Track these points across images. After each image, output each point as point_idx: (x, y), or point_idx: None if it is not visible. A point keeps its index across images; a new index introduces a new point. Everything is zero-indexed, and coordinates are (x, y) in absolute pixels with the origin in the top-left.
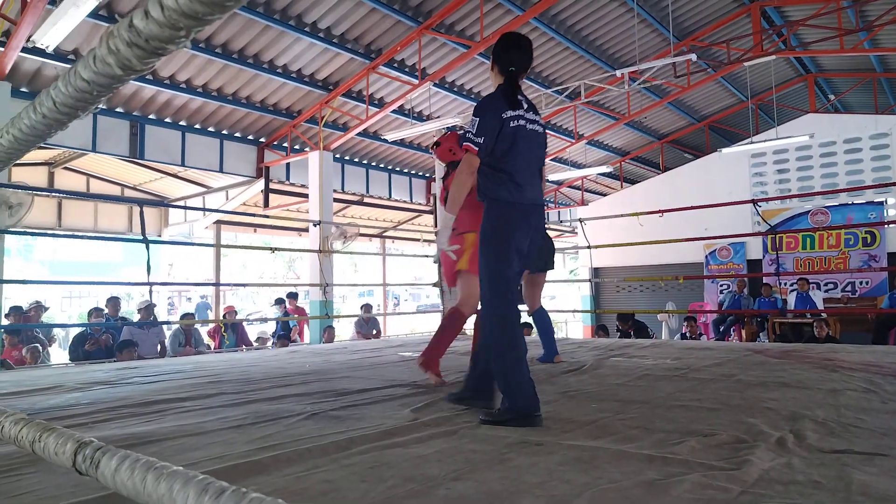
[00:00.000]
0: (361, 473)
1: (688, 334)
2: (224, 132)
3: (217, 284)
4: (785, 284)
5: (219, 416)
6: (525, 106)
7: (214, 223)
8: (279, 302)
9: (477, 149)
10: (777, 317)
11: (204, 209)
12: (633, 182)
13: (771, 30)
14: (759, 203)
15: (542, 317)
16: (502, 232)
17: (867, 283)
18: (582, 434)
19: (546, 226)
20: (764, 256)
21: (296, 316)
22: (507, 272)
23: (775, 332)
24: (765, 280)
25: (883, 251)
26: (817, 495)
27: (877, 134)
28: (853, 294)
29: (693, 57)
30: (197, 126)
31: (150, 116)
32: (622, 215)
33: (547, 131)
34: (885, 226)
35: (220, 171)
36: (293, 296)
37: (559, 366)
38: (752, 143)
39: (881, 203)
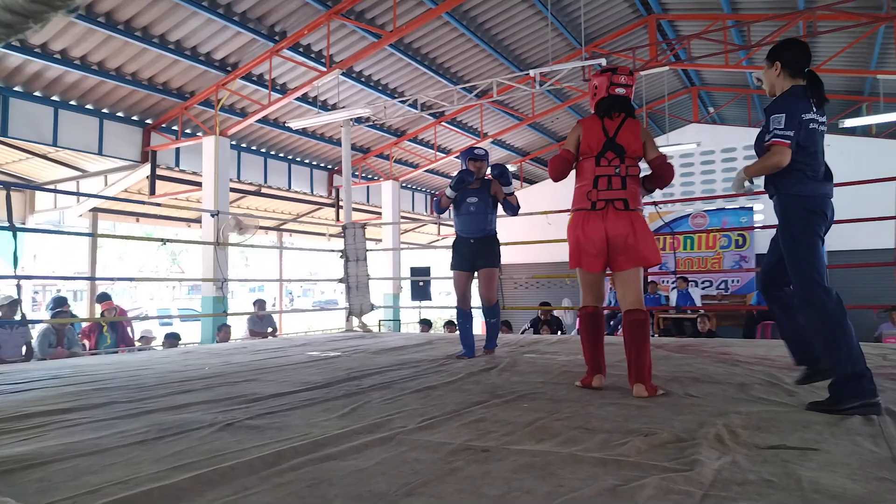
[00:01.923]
0: (300, 494)
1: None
2: (105, 111)
3: (93, 279)
4: (666, 282)
5: (114, 430)
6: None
7: (90, 211)
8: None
9: (788, 142)
10: (662, 313)
11: (78, 193)
12: (532, 182)
13: (664, 42)
14: (659, 205)
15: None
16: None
17: (738, 281)
18: (524, 437)
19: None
20: None
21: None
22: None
23: (659, 326)
24: (650, 278)
25: (752, 253)
26: (775, 495)
27: (749, 145)
28: (726, 292)
29: (602, 62)
30: (73, 102)
31: (17, 88)
32: (533, 213)
33: (453, 128)
34: (754, 230)
35: (99, 153)
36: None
37: (478, 363)
38: None
39: (751, 209)
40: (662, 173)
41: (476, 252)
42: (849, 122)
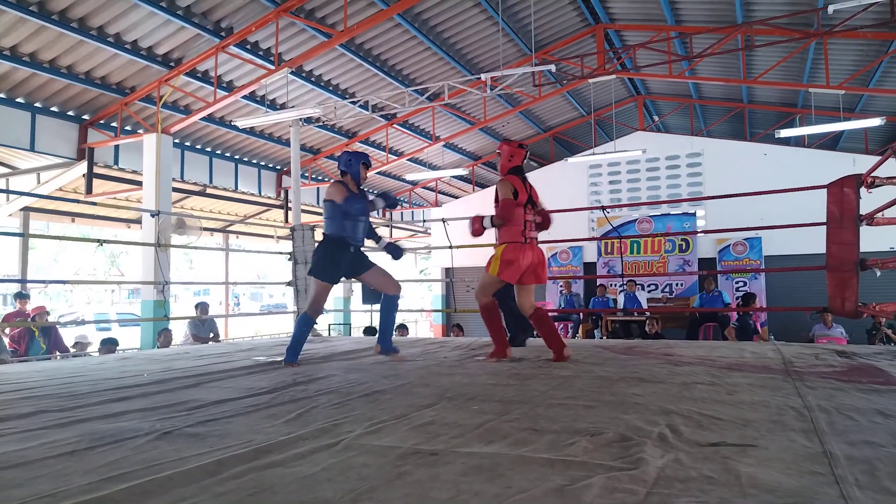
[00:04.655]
0: (242, 502)
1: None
2: (37, 105)
3: (24, 281)
4: (614, 285)
5: (42, 440)
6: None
7: (21, 210)
8: None
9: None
10: (610, 315)
11: (8, 191)
12: (484, 186)
13: (611, 51)
14: (607, 209)
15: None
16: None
17: (682, 284)
18: (474, 439)
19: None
20: (598, 259)
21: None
22: None
23: (608, 329)
24: (599, 282)
25: (695, 257)
26: (716, 491)
27: (692, 153)
28: (671, 294)
29: (552, 67)
30: (2, 95)
31: None
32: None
33: (405, 130)
34: (696, 235)
35: (31, 149)
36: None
37: (428, 366)
38: (593, 154)
39: (694, 214)
40: (547, 218)
41: (356, 260)
42: (784, 133)
